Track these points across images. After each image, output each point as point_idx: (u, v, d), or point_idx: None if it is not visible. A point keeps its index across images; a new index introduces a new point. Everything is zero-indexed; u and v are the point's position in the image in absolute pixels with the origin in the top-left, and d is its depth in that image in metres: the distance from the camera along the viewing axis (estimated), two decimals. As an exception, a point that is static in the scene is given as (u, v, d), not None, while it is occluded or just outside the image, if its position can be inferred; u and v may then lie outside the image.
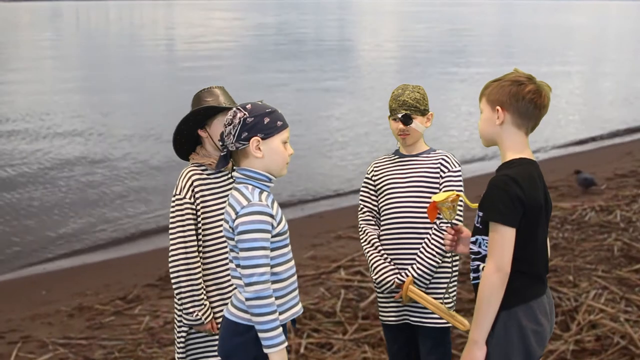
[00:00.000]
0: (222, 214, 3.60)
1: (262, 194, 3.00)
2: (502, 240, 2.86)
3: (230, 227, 2.96)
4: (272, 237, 2.96)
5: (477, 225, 3.03)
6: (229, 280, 3.64)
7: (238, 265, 2.99)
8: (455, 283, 3.92)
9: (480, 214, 2.99)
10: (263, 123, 2.98)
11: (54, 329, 6.33)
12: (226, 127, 3.01)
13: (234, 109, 3.02)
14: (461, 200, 3.30)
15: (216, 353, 3.66)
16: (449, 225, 3.25)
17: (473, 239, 3.06)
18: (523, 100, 2.97)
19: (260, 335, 2.93)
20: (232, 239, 2.97)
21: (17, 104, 19.53)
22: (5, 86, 23.01)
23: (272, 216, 2.95)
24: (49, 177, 12.21)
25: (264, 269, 2.91)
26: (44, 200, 11.02)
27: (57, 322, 6.52)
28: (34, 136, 15.39)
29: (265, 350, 2.94)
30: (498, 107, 2.99)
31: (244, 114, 2.98)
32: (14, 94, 21.39)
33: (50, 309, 6.87)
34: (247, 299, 2.91)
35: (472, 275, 3.06)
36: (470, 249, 3.07)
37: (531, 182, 2.91)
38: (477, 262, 3.03)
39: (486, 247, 2.97)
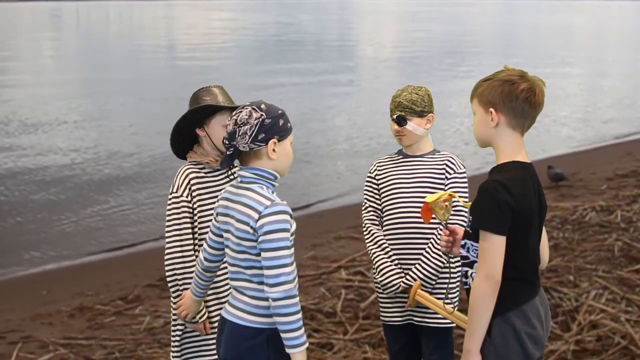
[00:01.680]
0: None
1: (273, 193, 2.98)
2: (492, 248, 2.79)
3: (251, 227, 2.89)
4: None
5: (468, 229, 2.97)
6: (225, 280, 3.63)
7: (249, 268, 2.95)
8: (458, 283, 3.92)
9: (471, 218, 2.93)
10: (279, 125, 2.95)
11: (54, 329, 6.33)
12: (240, 126, 2.91)
13: (249, 108, 2.95)
14: (455, 200, 3.26)
15: (211, 353, 3.65)
16: (444, 226, 3.19)
17: (462, 242, 3.01)
18: (517, 100, 2.86)
19: (286, 335, 2.88)
20: (251, 240, 2.91)
21: (16, 103, 19.50)
22: (5, 85, 22.99)
23: (291, 216, 2.94)
24: (49, 177, 12.20)
25: (290, 268, 2.89)
26: (44, 200, 11.01)
27: (58, 322, 6.52)
28: (32, 135, 15.37)
29: (289, 351, 2.89)
30: (491, 109, 2.89)
31: (261, 115, 2.92)
32: (13, 94, 21.37)
33: (51, 309, 6.87)
34: (274, 300, 2.86)
35: (462, 279, 3.02)
36: (460, 252, 3.02)
37: (522, 187, 2.84)
38: (466, 268, 2.98)
39: (474, 253, 2.92)
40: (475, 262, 2.92)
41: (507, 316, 2.87)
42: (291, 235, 2.95)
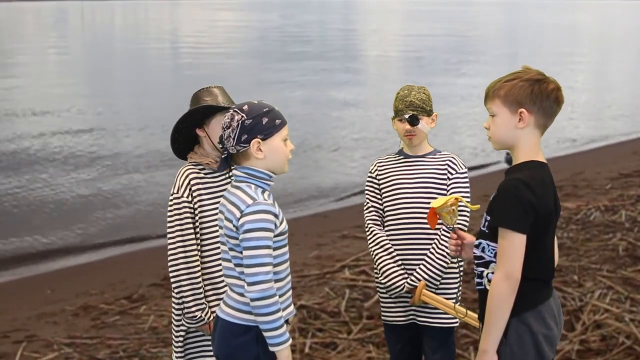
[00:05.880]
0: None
1: (264, 193, 3.00)
2: (512, 247, 2.76)
3: (234, 226, 2.94)
4: (275, 236, 2.96)
5: (483, 229, 2.94)
6: (221, 277, 3.62)
7: (238, 265, 2.98)
8: (460, 283, 3.92)
9: (488, 218, 2.90)
10: (262, 124, 2.97)
11: (59, 328, 6.34)
12: (225, 130, 2.98)
13: (231, 111, 3.00)
14: (461, 204, 3.23)
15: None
16: (451, 230, 3.16)
17: (477, 242, 2.97)
18: (548, 99, 2.85)
19: (267, 334, 2.93)
20: (236, 238, 2.95)
21: (21, 102, 19.54)
22: (10, 85, 23.03)
23: (276, 215, 2.96)
24: (54, 175, 12.22)
25: (268, 267, 2.91)
26: (48, 199, 11.03)
27: (62, 322, 6.53)
28: (36, 134, 15.39)
29: (272, 349, 2.95)
30: (522, 110, 2.84)
31: (242, 116, 2.96)
32: (18, 92, 21.41)
33: (55, 309, 6.89)
34: (252, 299, 2.90)
35: (476, 280, 2.99)
36: (474, 253, 2.99)
37: (544, 187, 2.82)
38: (481, 269, 2.94)
39: (490, 253, 2.90)
40: (491, 262, 2.89)
41: (523, 317, 2.85)
42: (280, 234, 2.99)
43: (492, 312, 2.81)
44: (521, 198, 2.76)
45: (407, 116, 3.79)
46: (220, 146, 3.03)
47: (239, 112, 2.98)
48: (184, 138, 3.67)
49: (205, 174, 3.64)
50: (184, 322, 3.64)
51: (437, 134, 13.54)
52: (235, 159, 3.04)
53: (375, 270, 3.95)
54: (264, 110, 3.00)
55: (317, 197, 11.35)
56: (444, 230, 3.77)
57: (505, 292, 2.78)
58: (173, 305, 3.72)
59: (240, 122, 2.96)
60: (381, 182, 3.93)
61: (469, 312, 3.52)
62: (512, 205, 2.77)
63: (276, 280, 2.99)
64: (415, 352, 4.02)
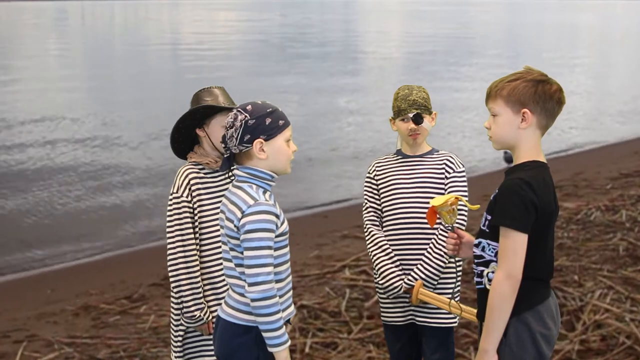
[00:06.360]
0: (218, 213, 3.59)
1: (266, 193, 3.00)
2: (514, 246, 2.77)
3: (235, 226, 2.94)
4: (276, 237, 2.96)
5: (484, 228, 2.94)
6: (221, 277, 3.63)
7: (239, 265, 2.98)
8: (459, 283, 3.92)
9: (489, 217, 2.91)
10: (265, 124, 2.97)
11: (59, 328, 6.35)
12: (227, 130, 2.98)
13: (235, 111, 3.00)
14: (461, 203, 3.23)
15: (212, 352, 3.66)
16: (450, 229, 3.17)
17: (476, 241, 2.98)
18: (551, 100, 2.86)
19: (266, 334, 2.94)
20: (236, 238, 2.95)
21: (21, 105, 19.55)
22: (9, 87, 23.03)
23: (277, 216, 2.96)
24: (54, 177, 12.22)
25: (269, 268, 2.91)
26: (49, 200, 11.03)
27: (63, 321, 6.53)
28: (38, 136, 15.40)
29: (271, 349, 2.95)
30: (525, 110, 2.85)
31: (245, 116, 2.96)
32: (18, 94, 21.41)
33: (56, 308, 6.89)
34: (252, 300, 2.90)
35: (475, 279, 2.99)
36: (473, 252, 2.99)
37: (545, 187, 2.83)
38: (481, 268, 2.95)
39: (491, 252, 2.91)
40: (491, 261, 2.90)
41: (523, 316, 2.86)
42: (281, 235, 2.99)
43: (493, 311, 2.82)
44: (523, 197, 2.77)
45: (411, 115, 3.78)
46: (223, 146, 3.03)
47: (242, 112, 2.98)
48: (184, 138, 3.68)
49: (205, 173, 3.64)
50: (182, 322, 3.64)
51: (437, 135, 13.57)
52: (238, 159, 3.05)
53: (374, 271, 3.95)
54: (268, 110, 2.99)
55: (318, 197, 11.34)
56: (441, 229, 3.77)
57: (507, 291, 2.78)
58: (172, 305, 3.72)
59: (243, 122, 2.96)
60: (379, 182, 3.93)
61: (466, 307, 3.50)
62: (514, 205, 2.78)
63: (277, 281, 2.99)
64: (415, 352, 4.03)
